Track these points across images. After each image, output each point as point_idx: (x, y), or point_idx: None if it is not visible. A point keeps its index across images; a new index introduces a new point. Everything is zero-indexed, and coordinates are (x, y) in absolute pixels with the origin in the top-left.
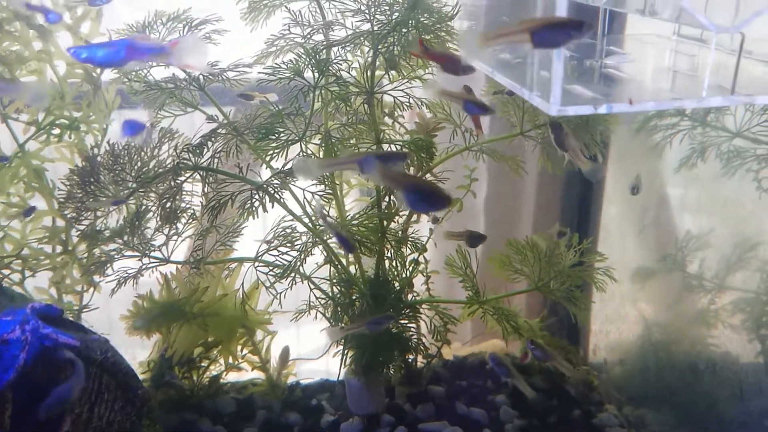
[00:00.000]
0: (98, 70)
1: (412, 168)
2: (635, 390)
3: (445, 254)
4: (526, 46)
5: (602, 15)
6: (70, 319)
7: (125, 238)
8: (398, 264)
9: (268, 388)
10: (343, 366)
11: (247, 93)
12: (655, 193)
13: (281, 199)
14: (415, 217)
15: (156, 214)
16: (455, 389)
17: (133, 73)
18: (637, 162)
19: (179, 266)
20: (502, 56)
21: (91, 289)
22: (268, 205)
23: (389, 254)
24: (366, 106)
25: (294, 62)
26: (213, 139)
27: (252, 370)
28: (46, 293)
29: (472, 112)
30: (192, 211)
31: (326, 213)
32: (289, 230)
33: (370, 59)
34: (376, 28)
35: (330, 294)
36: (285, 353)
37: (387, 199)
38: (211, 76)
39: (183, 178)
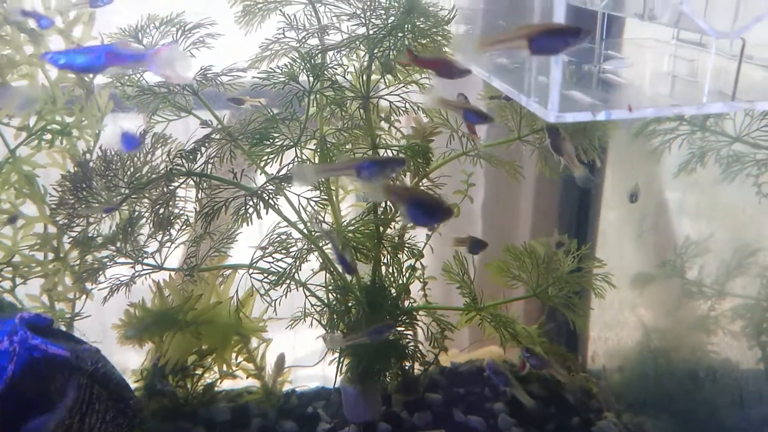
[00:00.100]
0: (90, 75)
1: (408, 173)
2: (634, 397)
3: (442, 260)
4: (523, 52)
5: (600, 19)
6: (60, 328)
7: (118, 244)
8: (395, 270)
9: (263, 395)
10: (339, 373)
11: (237, 97)
12: (654, 198)
13: (276, 206)
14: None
15: (149, 221)
16: (452, 397)
17: (126, 77)
18: (636, 167)
19: (173, 273)
20: (499, 61)
21: (84, 296)
22: (263, 211)
23: (386, 260)
24: (362, 110)
25: (289, 66)
26: (207, 144)
27: (247, 377)
28: (37, 301)
29: (473, 122)
30: (186, 218)
31: (329, 229)
32: (284, 236)
33: (365, 63)
34: (371, 32)
35: (326, 301)
36: (280, 360)
37: (383, 204)
38: (204, 81)
39: (176, 184)
